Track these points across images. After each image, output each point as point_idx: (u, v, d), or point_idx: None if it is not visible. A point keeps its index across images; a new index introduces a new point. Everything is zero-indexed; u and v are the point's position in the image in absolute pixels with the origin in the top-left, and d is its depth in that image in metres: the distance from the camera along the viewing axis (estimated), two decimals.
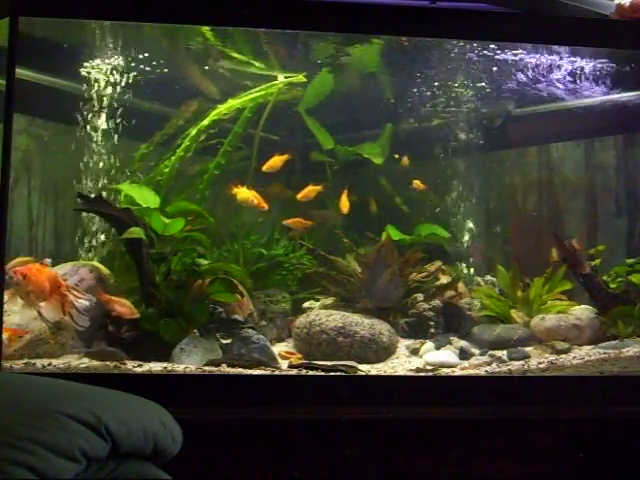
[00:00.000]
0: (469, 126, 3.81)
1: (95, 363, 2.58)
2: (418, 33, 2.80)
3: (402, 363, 2.84)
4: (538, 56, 3.09)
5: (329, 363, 2.66)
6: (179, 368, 2.55)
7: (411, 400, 2.43)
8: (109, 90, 3.32)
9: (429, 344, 2.98)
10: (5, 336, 2.49)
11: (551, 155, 4.06)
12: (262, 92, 3.51)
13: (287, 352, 2.95)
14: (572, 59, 3.08)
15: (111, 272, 2.96)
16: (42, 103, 3.26)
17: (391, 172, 3.85)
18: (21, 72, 2.55)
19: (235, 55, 3.31)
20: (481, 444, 2.36)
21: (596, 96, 3.32)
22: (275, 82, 3.52)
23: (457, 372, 2.66)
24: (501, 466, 2.35)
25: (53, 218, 3.53)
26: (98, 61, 3.27)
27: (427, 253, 3.41)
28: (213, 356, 2.69)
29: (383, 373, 2.68)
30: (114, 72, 3.30)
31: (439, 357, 2.82)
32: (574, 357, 2.83)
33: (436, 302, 3.22)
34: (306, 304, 3.36)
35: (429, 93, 3.66)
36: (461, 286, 3.48)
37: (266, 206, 3.40)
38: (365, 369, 2.68)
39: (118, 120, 3.32)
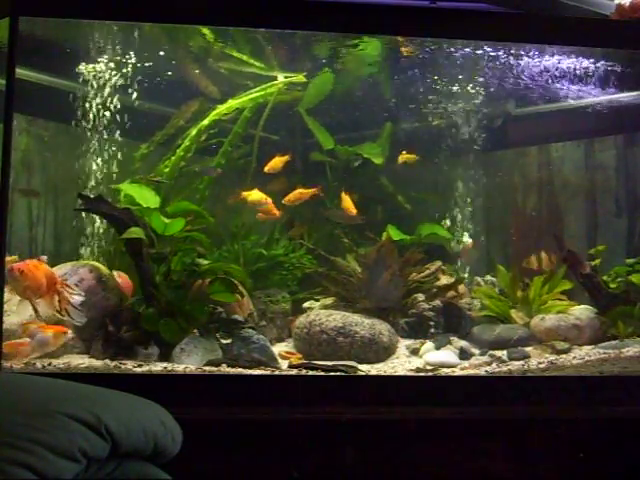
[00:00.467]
0: (468, 126, 3.81)
1: (95, 363, 2.58)
2: (418, 33, 2.80)
3: (402, 363, 2.84)
4: (536, 55, 3.09)
5: (329, 363, 2.66)
6: (179, 368, 2.55)
7: (411, 400, 2.44)
8: (108, 90, 3.32)
9: (429, 344, 2.98)
10: (50, 334, 2.52)
11: (551, 155, 4.06)
12: (262, 92, 3.51)
13: (287, 352, 2.95)
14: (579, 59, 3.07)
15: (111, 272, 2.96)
16: (42, 103, 3.26)
17: (391, 171, 3.84)
18: (21, 72, 2.55)
19: (235, 55, 3.31)
20: (481, 444, 2.36)
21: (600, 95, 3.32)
22: (275, 82, 3.52)
23: (457, 372, 2.66)
24: (501, 466, 2.35)
25: (53, 218, 3.54)
26: (98, 61, 3.27)
27: (427, 253, 3.41)
28: (213, 356, 2.69)
29: (383, 373, 2.68)
30: (114, 72, 3.30)
31: (439, 357, 2.82)
32: (574, 357, 2.83)
33: (436, 302, 3.22)
34: (306, 304, 3.36)
35: (429, 93, 3.66)
36: (461, 286, 3.48)
37: (277, 214, 3.41)
38: (365, 369, 2.68)
39: (118, 120, 3.33)
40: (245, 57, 3.36)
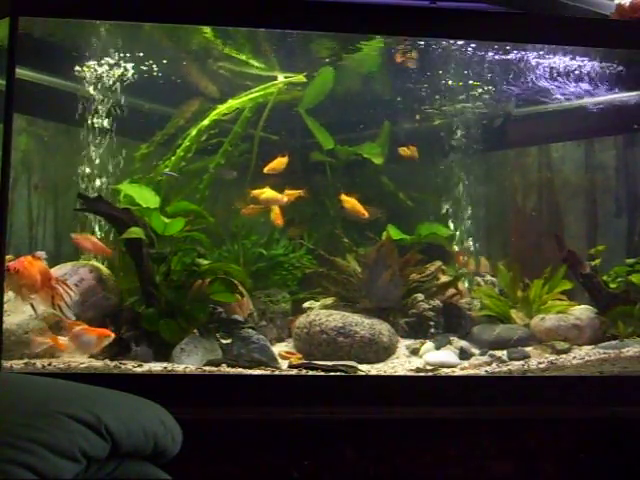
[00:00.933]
0: (468, 126, 3.81)
1: (95, 363, 2.58)
2: (418, 33, 2.80)
3: (402, 363, 2.84)
4: (538, 54, 3.09)
5: (329, 363, 2.66)
6: (179, 368, 2.55)
7: (411, 400, 2.43)
8: (108, 90, 3.32)
9: (429, 344, 2.98)
10: (94, 336, 2.53)
11: (551, 155, 4.06)
12: (262, 92, 3.51)
13: (287, 352, 2.95)
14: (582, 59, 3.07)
15: (111, 272, 2.96)
16: (42, 103, 3.26)
17: (391, 171, 3.84)
18: (21, 72, 2.55)
19: (235, 55, 3.31)
20: (481, 444, 2.36)
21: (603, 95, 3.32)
22: (275, 82, 3.52)
23: (457, 372, 2.66)
24: (501, 466, 2.35)
25: (53, 217, 3.53)
26: (97, 61, 3.27)
27: (427, 253, 3.40)
28: (213, 356, 2.69)
29: (383, 373, 2.68)
30: (114, 72, 3.30)
31: (439, 357, 2.82)
32: (574, 357, 2.83)
33: (436, 302, 3.22)
34: (306, 304, 3.36)
35: (429, 92, 3.66)
36: (461, 286, 3.48)
37: (281, 222, 3.41)
38: (365, 369, 2.68)
39: (117, 120, 3.33)
40: (245, 57, 3.36)
